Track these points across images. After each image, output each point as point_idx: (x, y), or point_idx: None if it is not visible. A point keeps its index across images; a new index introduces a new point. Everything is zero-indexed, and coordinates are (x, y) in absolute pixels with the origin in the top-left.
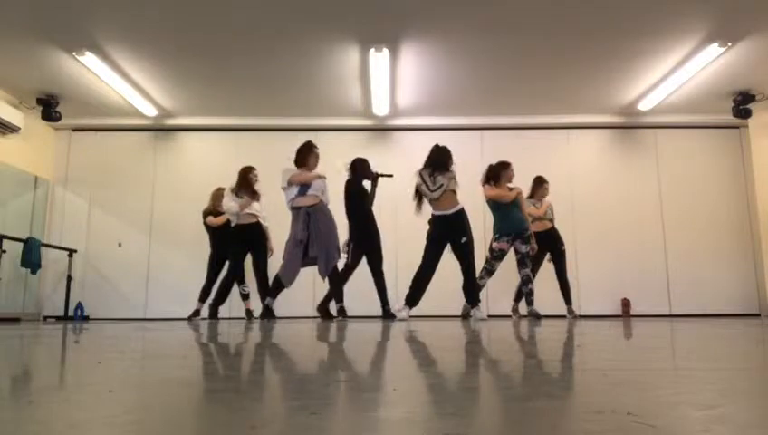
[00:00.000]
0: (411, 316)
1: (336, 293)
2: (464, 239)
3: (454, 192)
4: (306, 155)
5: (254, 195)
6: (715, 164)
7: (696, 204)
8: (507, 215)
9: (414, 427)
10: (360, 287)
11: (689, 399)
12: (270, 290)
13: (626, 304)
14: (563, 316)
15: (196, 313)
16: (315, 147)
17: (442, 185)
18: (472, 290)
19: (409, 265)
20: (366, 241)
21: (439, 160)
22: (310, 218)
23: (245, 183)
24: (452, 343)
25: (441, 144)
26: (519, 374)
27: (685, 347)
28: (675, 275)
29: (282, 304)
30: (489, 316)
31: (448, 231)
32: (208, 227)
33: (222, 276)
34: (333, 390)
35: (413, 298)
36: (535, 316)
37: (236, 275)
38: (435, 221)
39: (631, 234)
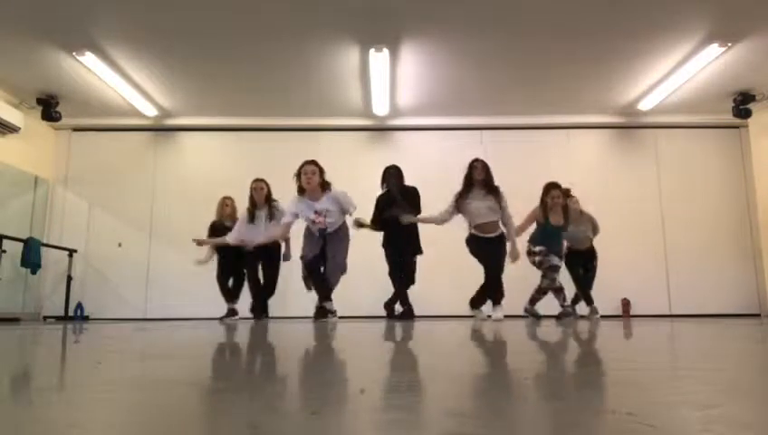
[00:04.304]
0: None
1: (325, 291)
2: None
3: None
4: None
5: (271, 212)
6: (715, 164)
7: (696, 204)
8: (546, 233)
9: (414, 427)
10: (358, 286)
11: (689, 399)
12: (321, 290)
13: (626, 304)
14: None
15: (232, 312)
16: (302, 166)
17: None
18: (493, 291)
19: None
20: (398, 241)
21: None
22: (326, 241)
23: (252, 200)
24: (454, 342)
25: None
26: (519, 374)
27: (685, 347)
28: (675, 275)
29: (281, 305)
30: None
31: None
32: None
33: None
34: (334, 390)
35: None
36: (535, 316)
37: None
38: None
39: (631, 234)
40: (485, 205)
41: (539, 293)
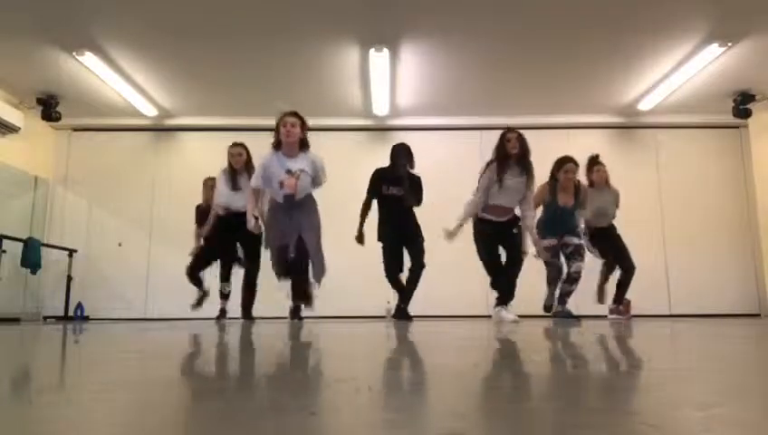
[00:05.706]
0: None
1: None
2: (515, 230)
3: None
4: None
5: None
6: (716, 164)
7: (695, 204)
8: (553, 216)
9: (414, 427)
10: (357, 287)
11: (689, 399)
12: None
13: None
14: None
15: (222, 312)
16: (281, 118)
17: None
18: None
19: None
20: (394, 235)
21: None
22: (293, 215)
23: (231, 167)
24: (455, 343)
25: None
26: (519, 374)
27: (685, 347)
28: (675, 275)
29: (280, 305)
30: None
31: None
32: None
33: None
34: (333, 390)
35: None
36: (567, 316)
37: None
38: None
39: (631, 234)
40: (515, 185)
41: (566, 291)
